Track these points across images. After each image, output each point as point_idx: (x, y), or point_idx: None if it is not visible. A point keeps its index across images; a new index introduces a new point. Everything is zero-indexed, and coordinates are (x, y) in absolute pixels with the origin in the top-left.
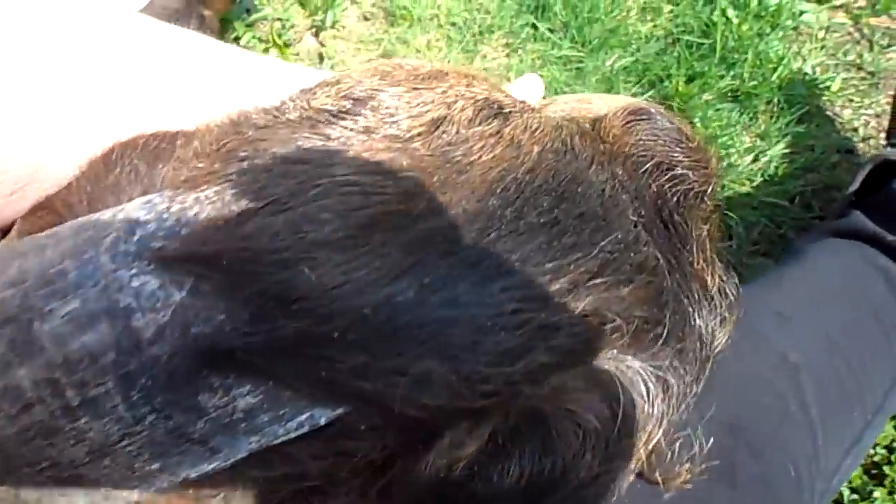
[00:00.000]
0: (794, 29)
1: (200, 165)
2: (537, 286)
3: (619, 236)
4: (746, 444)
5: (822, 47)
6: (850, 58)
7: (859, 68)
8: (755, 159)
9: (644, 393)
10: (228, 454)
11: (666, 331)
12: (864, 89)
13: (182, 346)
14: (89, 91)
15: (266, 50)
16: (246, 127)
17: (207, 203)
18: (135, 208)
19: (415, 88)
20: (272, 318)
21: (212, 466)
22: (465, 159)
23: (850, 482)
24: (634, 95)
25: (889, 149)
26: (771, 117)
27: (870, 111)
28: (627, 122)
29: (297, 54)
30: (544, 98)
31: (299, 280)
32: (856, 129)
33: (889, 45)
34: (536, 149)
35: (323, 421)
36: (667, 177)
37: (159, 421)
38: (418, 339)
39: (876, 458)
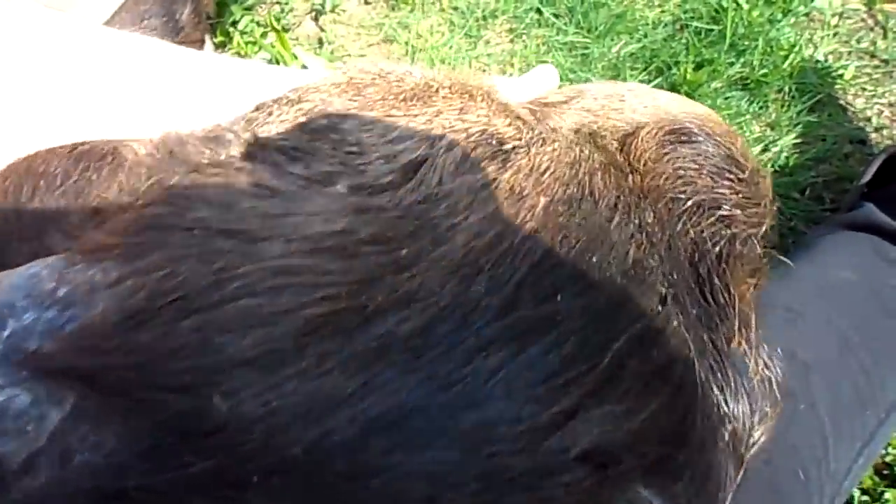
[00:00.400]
0: (806, 15)
1: (109, 237)
2: (525, 418)
3: (640, 328)
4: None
5: (835, 34)
6: (864, 45)
7: (873, 56)
8: (765, 149)
9: None
10: None
11: (690, 456)
12: (878, 78)
13: (61, 479)
14: (45, 105)
15: (264, 34)
16: (179, 163)
17: (104, 288)
18: (11, 287)
19: (390, 115)
20: (175, 453)
21: None
22: (445, 222)
23: (860, 483)
24: (641, 83)
25: None
26: (782, 106)
27: (883, 100)
28: (663, 146)
29: (297, 39)
30: (566, 88)
31: (208, 410)
32: (869, 119)
33: None
34: (542, 201)
35: None
36: (709, 220)
37: None
38: (359, 492)
39: (888, 459)
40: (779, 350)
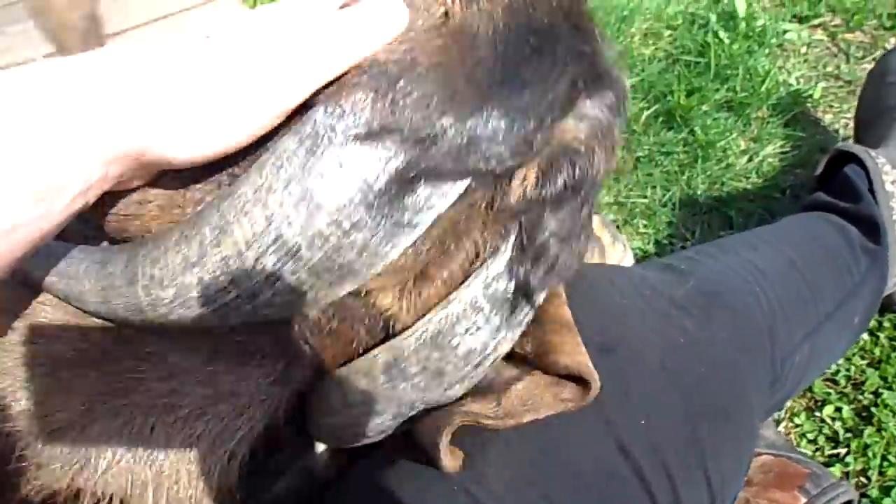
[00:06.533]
0: (779, 46)
1: None
2: None
3: None
4: (721, 302)
5: (805, 61)
6: (829, 69)
7: (837, 78)
8: (750, 159)
9: None
10: None
11: None
12: (843, 96)
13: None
14: None
15: None
16: None
17: None
18: None
19: None
20: None
21: None
22: None
23: (843, 423)
24: (641, 110)
25: (843, 143)
26: (762, 123)
27: (848, 115)
28: None
29: None
30: None
31: None
32: (836, 131)
33: (863, 57)
34: None
35: (462, 189)
36: None
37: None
38: None
39: (865, 402)
40: (740, 255)
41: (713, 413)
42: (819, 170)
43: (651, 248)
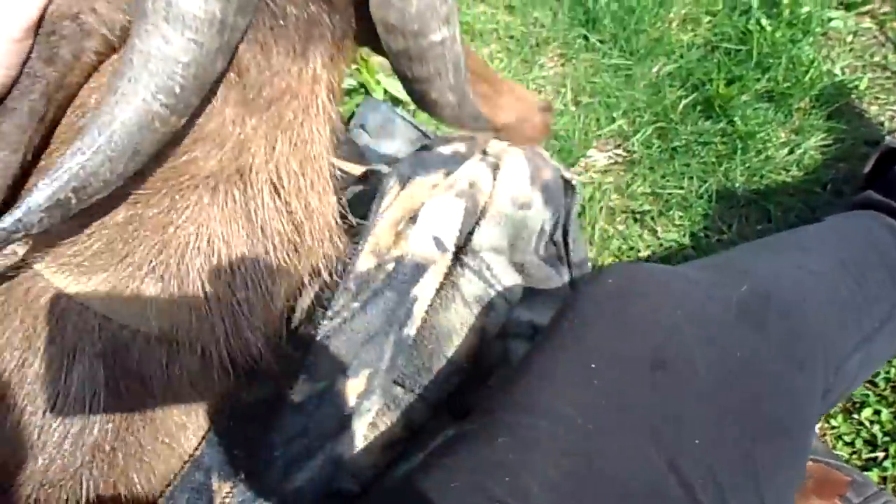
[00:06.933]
0: (824, 34)
1: None
2: None
3: None
4: (777, 308)
5: (850, 50)
6: (876, 59)
7: (884, 68)
8: (791, 152)
9: None
10: None
11: None
12: (890, 87)
13: None
14: None
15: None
16: None
17: None
18: None
19: None
20: None
21: None
22: None
23: (882, 426)
24: (679, 98)
25: (892, 138)
26: (804, 115)
27: (895, 107)
28: None
29: (361, 74)
30: None
31: None
32: (882, 124)
33: None
34: None
35: None
36: None
37: None
38: None
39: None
40: (791, 256)
41: (769, 431)
42: (868, 167)
43: (686, 240)
